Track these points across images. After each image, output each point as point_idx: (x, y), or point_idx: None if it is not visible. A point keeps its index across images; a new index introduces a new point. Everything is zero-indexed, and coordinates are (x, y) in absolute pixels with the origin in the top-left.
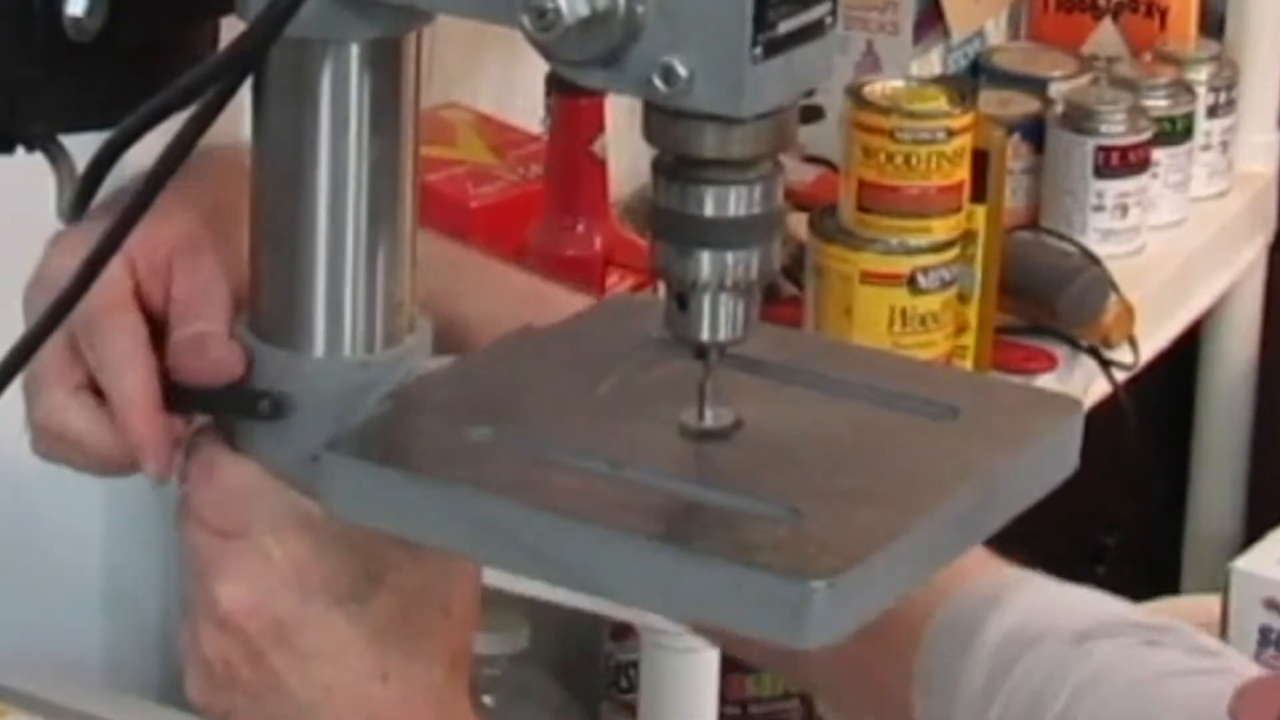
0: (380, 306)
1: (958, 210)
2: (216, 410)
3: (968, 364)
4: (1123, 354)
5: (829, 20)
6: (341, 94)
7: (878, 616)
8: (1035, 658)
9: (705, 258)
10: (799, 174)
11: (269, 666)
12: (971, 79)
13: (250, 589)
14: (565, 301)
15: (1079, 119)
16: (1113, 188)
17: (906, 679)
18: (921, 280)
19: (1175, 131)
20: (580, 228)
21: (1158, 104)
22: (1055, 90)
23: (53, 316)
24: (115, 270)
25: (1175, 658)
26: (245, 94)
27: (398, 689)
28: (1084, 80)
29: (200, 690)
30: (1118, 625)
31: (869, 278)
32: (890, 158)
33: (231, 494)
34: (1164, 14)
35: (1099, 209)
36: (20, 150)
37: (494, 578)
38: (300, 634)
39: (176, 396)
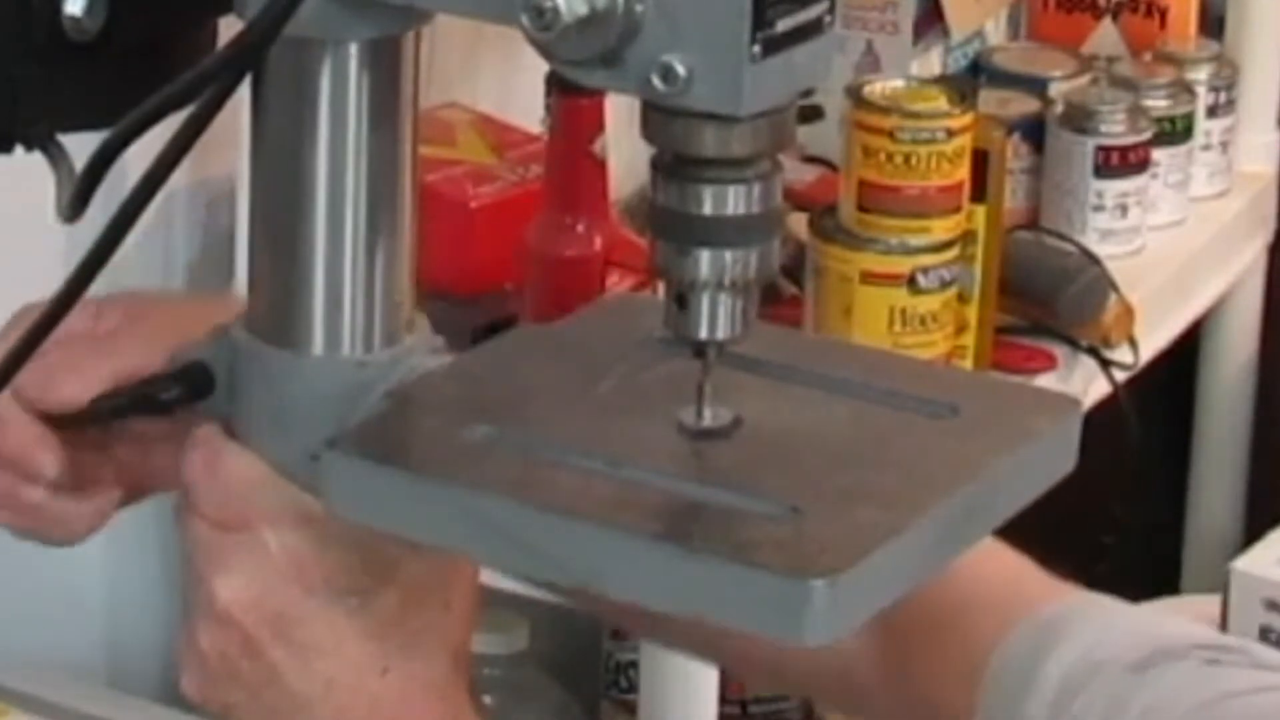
0: (379, 306)
1: (958, 210)
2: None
3: (968, 364)
4: (1123, 354)
5: (827, 19)
6: (341, 94)
7: (938, 648)
8: (1097, 688)
9: (704, 256)
10: (799, 174)
11: (267, 660)
12: (971, 79)
13: (249, 582)
14: None
15: (1079, 119)
16: (1113, 188)
17: (969, 712)
18: (921, 280)
19: (1175, 131)
20: (580, 228)
21: (1158, 104)
22: (1055, 90)
23: (45, 323)
24: None
25: (1237, 676)
26: (245, 94)
27: (397, 683)
28: (1084, 80)
29: (197, 685)
30: (1180, 648)
31: (869, 278)
32: (890, 158)
33: (233, 487)
34: (1164, 14)
35: (1099, 209)
36: (20, 150)
37: (494, 578)
38: (300, 628)
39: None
